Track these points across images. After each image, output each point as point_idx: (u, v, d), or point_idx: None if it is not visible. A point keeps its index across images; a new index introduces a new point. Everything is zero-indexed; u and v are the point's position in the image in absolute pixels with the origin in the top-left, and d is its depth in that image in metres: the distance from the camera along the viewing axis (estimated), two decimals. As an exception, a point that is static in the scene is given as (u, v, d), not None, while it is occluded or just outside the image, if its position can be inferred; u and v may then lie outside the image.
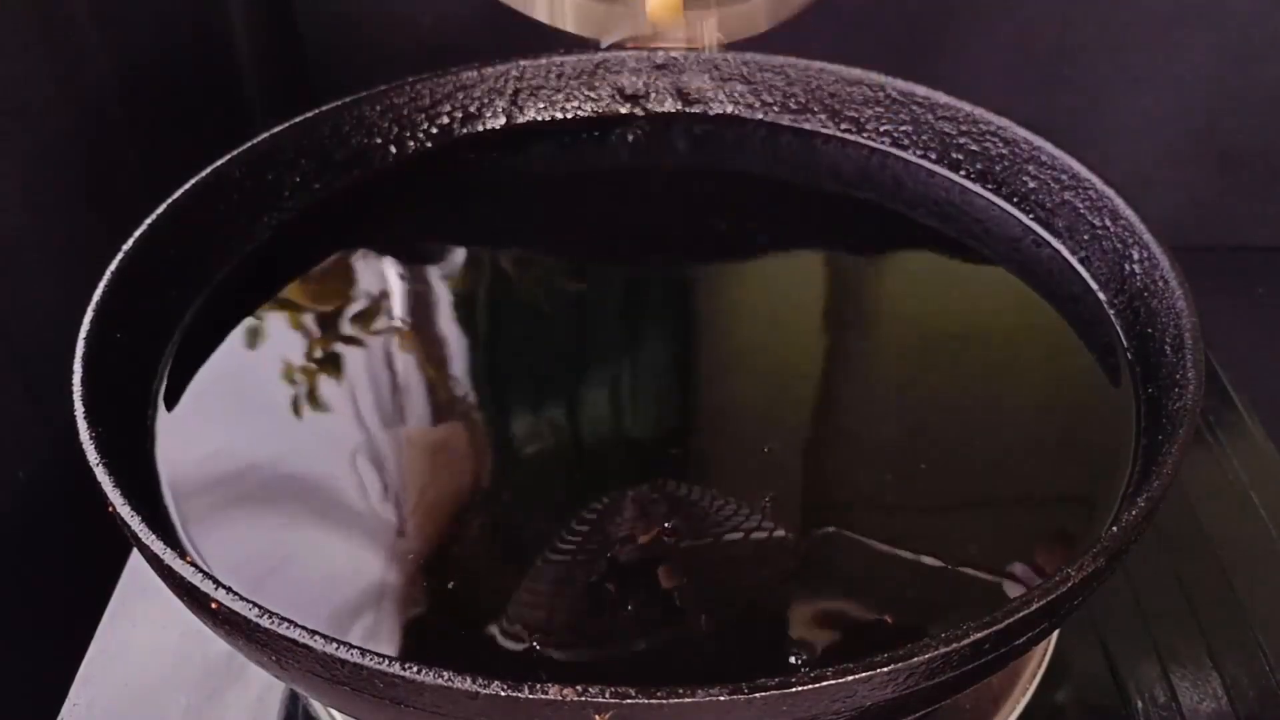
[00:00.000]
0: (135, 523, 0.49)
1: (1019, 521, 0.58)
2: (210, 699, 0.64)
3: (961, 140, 0.74)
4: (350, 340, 0.66)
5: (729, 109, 0.80)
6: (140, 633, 0.67)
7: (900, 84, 0.76)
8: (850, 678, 0.43)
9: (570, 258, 0.73)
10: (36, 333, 0.80)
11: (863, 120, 0.78)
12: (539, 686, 0.42)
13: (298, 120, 0.72)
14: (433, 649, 0.52)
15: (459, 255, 0.72)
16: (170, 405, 0.61)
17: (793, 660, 0.50)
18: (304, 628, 0.45)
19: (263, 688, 0.64)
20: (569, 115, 0.80)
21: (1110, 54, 1.06)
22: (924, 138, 0.76)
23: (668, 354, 0.67)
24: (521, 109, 0.79)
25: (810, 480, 0.54)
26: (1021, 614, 0.45)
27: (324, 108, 0.74)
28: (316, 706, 0.63)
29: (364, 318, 0.67)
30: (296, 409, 0.62)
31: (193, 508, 0.56)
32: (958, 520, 0.57)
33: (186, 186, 0.66)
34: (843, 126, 0.78)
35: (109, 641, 0.67)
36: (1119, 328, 0.64)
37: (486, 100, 0.78)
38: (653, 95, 0.80)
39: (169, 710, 0.64)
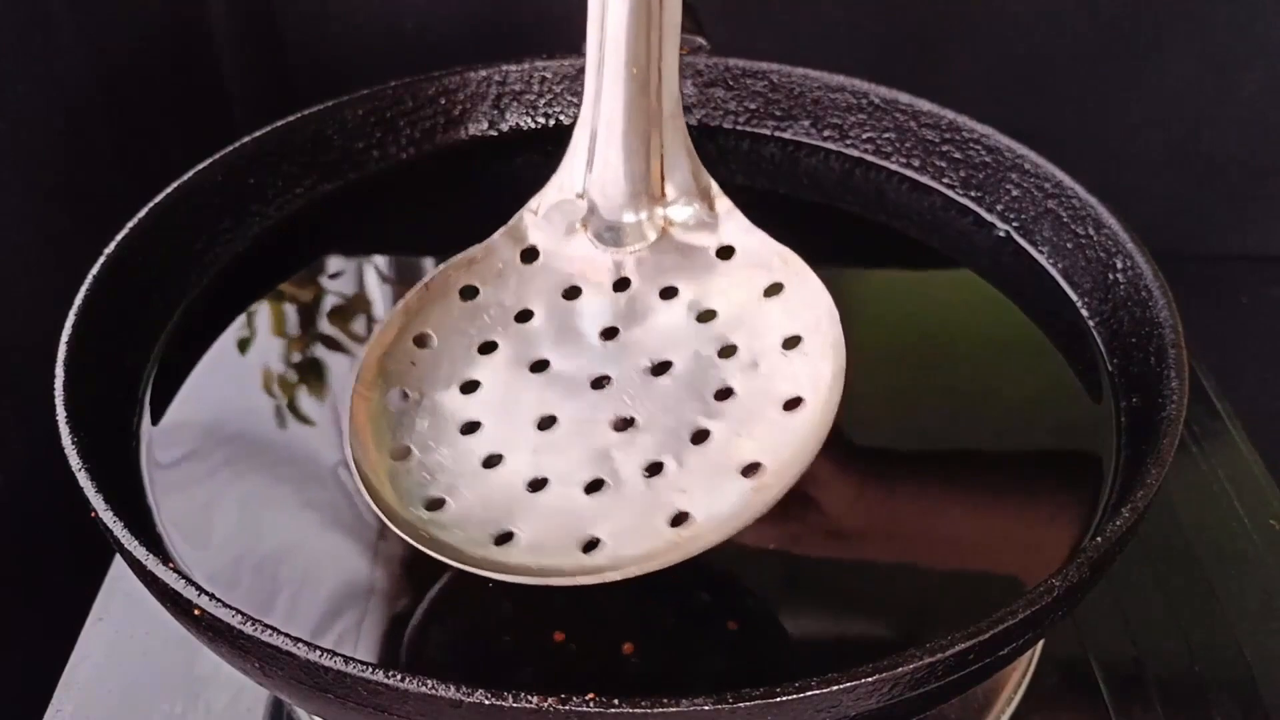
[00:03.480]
0: (118, 528, 0.49)
1: (1003, 531, 0.58)
2: (195, 705, 0.64)
3: (944, 148, 0.74)
4: (334, 345, 0.66)
5: (711, 115, 0.80)
6: (124, 638, 0.67)
7: (883, 91, 0.76)
8: (835, 687, 0.43)
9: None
10: (17, 336, 0.80)
11: (845, 127, 0.78)
12: (522, 695, 0.42)
13: (280, 124, 0.72)
14: (418, 656, 0.52)
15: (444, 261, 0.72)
16: (155, 410, 0.61)
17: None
18: (287, 635, 0.44)
19: (247, 694, 0.64)
20: (551, 122, 0.80)
21: (1092, 63, 1.06)
22: (907, 145, 0.76)
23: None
24: (504, 114, 0.79)
25: (790, 493, 0.54)
26: (1006, 624, 0.45)
27: (306, 111, 0.73)
28: (301, 713, 0.63)
29: (347, 322, 0.67)
30: (281, 414, 0.62)
31: (177, 513, 0.56)
32: (941, 531, 0.57)
33: (168, 190, 0.66)
34: (825, 134, 0.78)
35: (93, 647, 0.67)
36: (1102, 338, 0.64)
37: (469, 105, 0.78)
38: (636, 101, 0.80)
39: (153, 716, 0.63)
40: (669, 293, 0.58)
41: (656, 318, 0.57)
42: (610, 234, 0.59)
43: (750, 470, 0.51)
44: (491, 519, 0.50)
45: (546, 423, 0.54)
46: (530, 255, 0.59)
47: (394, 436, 0.53)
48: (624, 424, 0.53)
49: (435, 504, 0.51)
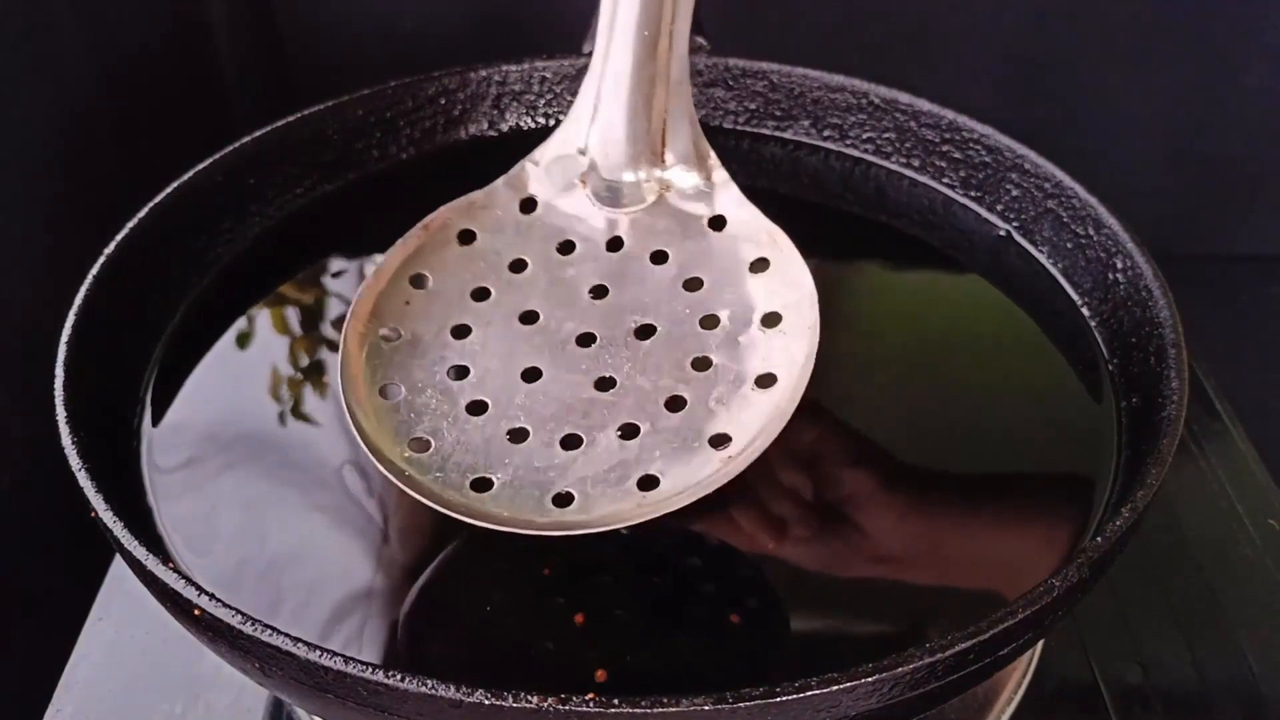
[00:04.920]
0: (118, 528, 0.49)
1: (1002, 531, 0.58)
2: (195, 705, 0.64)
3: (944, 148, 0.74)
4: (335, 346, 0.66)
5: (711, 115, 0.80)
6: (124, 639, 0.67)
7: (883, 91, 0.76)
8: (835, 688, 0.43)
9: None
10: (19, 336, 0.80)
11: (845, 127, 0.78)
12: (522, 695, 0.42)
13: (280, 124, 0.72)
14: (418, 655, 0.52)
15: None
16: (156, 410, 0.61)
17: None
18: (287, 635, 0.44)
19: (247, 694, 0.64)
20: (551, 122, 0.80)
21: (1093, 63, 1.06)
22: (906, 145, 0.76)
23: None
24: (504, 114, 0.79)
25: (789, 491, 0.54)
26: (1006, 624, 0.45)
27: (306, 111, 0.73)
28: (301, 714, 0.63)
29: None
30: (283, 415, 0.62)
31: (177, 513, 0.56)
32: (940, 530, 0.57)
33: (169, 190, 0.66)
34: (825, 134, 0.78)
35: (93, 647, 0.67)
36: (1102, 338, 0.64)
37: (469, 105, 0.78)
38: (635, 101, 0.80)
39: (153, 716, 0.64)
40: (659, 257, 0.59)
41: (645, 281, 0.58)
42: (608, 193, 0.60)
43: (718, 441, 0.52)
44: (470, 464, 0.52)
45: (531, 375, 0.55)
46: (529, 206, 0.61)
47: (384, 374, 0.55)
48: (604, 384, 0.55)
49: (419, 445, 0.53)
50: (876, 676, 0.43)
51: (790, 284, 0.56)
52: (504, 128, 0.79)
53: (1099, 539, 0.49)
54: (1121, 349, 0.63)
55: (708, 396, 0.54)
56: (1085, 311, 0.66)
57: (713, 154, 0.61)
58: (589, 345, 0.56)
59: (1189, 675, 0.66)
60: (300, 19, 1.07)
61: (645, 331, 0.56)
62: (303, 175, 0.73)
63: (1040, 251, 0.70)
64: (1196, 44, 1.05)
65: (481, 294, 0.58)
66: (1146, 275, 0.62)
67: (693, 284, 0.58)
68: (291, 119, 0.73)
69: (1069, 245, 0.68)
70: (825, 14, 1.05)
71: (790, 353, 0.54)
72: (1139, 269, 0.62)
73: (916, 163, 0.76)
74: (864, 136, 0.77)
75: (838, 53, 1.04)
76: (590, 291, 0.58)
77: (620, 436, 0.53)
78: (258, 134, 0.71)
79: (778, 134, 0.79)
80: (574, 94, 0.78)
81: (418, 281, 0.58)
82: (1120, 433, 0.60)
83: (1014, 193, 0.71)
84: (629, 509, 0.50)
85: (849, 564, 0.56)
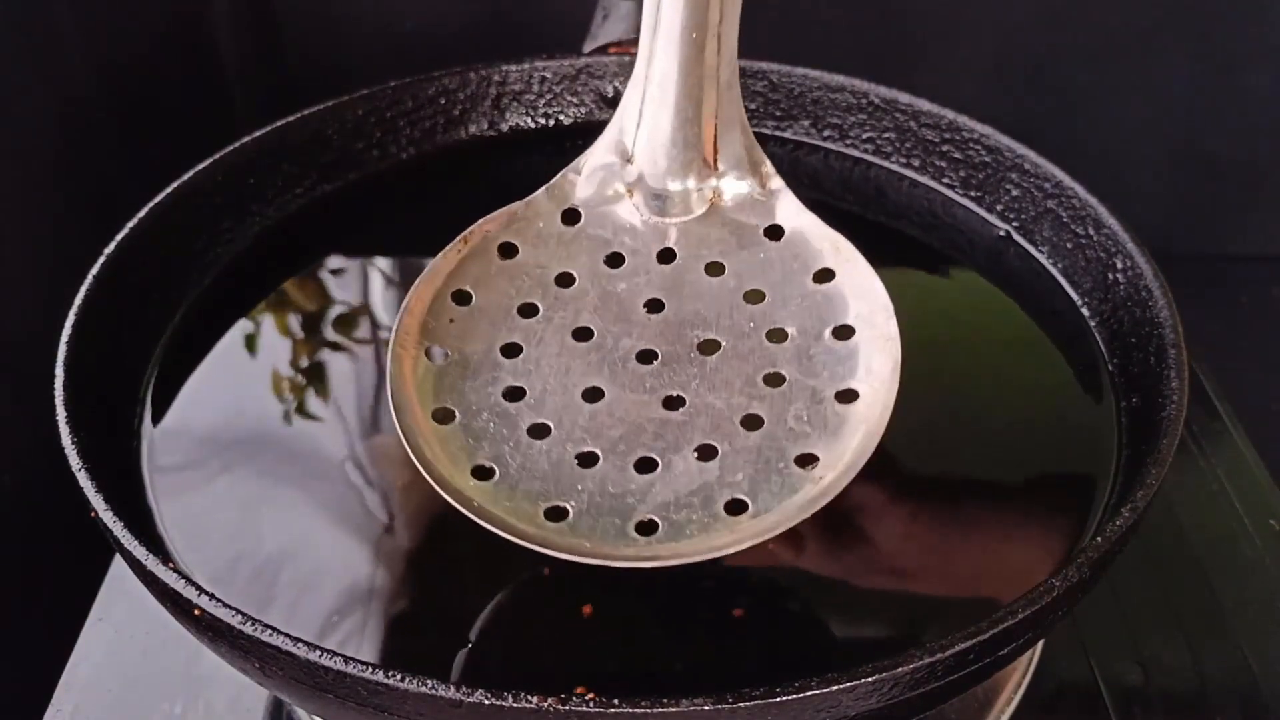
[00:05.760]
0: (118, 528, 0.49)
1: (1003, 531, 0.58)
2: (195, 705, 0.64)
3: (944, 148, 0.74)
4: (336, 346, 0.66)
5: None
6: (124, 638, 0.67)
7: (883, 91, 0.76)
8: (835, 687, 0.43)
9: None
10: (21, 335, 0.80)
11: (845, 127, 0.78)
12: (522, 695, 0.42)
13: (280, 124, 0.72)
14: (418, 655, 0.52)
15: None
16: (156, 410, 0.61)
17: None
18: (287, 635, 0.44)
19: (247, 694, 0.64)
20: (551, 122, 0.80)
21: (1093, 63, 1.06)
22: (906, 145, 0.76)
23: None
24: (504, 114, 0.79)
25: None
26: (1006, 624, 0.45)
27: (306, 111, 0.73)
28: (301, 714, 0.63)
29: (349, 324, 0.67)
30: (284, 414, 0.62)
31: (177, 513, 0.56)
32: (940, 531, 0.57)
33: (168, 190, 0.66)
34: (825, 134, 0.78)
35: (93, 647, 0.67)
36: (1102, 338, 0.64)
37: (469, 105, 0.78)
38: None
39: (153, 716, 0.63)
40: (715, 268, 0.56)
41: (703, 294, 0.56)
42: (656, 202, 0.58)
43: (804, 461, 0.50)
44: (541, 492, 0.49)
45: (592, 395, 0.52)
46: (571, 217, 0.58)
47: (436, 397, 0.52)
48: (673, 403, 0.52)
49: (483, 472, 0.50)
50: (876, 676, 0.43)
51: (860, 294, 0.54)
52: (504, 128, 0.79)
53: (1099, 539, 0.49)
54: (1121, 349, 0.63)
55: (786, 414, 0.51)
56: (1085, 311, 0.66)
57: (767, 161, 0.58)
58: (651, 362, 0.53)
59: (1189, 675, 0.66)
60: (300, 19, 1.07)
61: (709, 347, 0.54)
62: (303, 175, 0.73)
63: (1040, 251, 0.70)
64: (1196, 44, 1.05)
65: (529, 310, 0.55)
66: (1146, 275, 0.62)
67: (753, 296, 0.55)
68: (291, 119, 0.73)
69: (1069, 245, 0.68)
70: (825, 14, 1.05)
71: (869, 366, 0.52)
72: (1139, 269, 0.62)
73: (916, 163, 0.76)
74: (864, 136, 0.77)
75: (838, 53, 1.04)
76: (645, 305, 0.55)
77: (698, 458, 0.50)
78: (258, 134, 0.71)
79: (778, 134, 0.79)
80: (574, 94, 0.79)
81: (460, 298, 0.55)
82: (1120, 433, 0.60)
83: (1014, 193, 0.71)
84: (724, 538, 0.48)
85: (848, 564, 0.56)
